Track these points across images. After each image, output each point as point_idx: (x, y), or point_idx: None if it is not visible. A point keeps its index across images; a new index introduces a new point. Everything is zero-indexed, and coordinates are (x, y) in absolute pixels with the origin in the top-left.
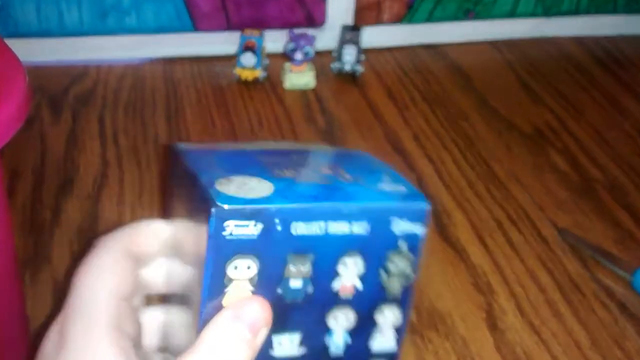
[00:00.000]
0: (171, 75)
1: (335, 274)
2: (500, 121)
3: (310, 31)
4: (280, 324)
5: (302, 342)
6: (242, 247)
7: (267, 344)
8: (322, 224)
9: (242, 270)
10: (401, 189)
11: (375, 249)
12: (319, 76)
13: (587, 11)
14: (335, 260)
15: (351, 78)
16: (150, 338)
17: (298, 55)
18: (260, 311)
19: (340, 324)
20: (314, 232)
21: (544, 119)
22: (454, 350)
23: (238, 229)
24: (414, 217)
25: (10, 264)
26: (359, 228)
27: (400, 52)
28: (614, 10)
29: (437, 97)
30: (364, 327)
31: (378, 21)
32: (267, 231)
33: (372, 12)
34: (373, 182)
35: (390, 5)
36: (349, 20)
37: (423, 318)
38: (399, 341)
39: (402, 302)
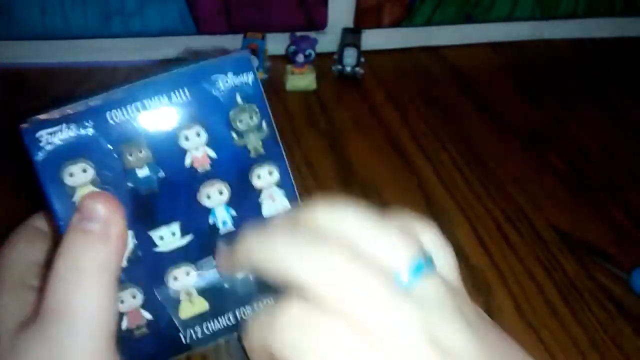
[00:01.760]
0: None
1: (182, 151)
2: (499, 123)
3: (311, 34)
4: (150, 218)
5: (185, 230)
6: (66, 152)
7: (148, 243)
8: (138, 104)
9: (79, 176)
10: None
11: (211, 113)
12: (320, 78)
13: (585, 14)
14: (173, 138)
15: (352, 80)
16: None
17: (299, 58)
18: (98, 200)
19: (215, 199)
20: (135, 116)
21: (542, 121)
22: None
23: (52, 136)
24: (237, 68)
25: None
26: (179, 97)
27: (400, 54)
28: (611, 12)
29: (437, 99)
30: (245, 196)
31: (378, 24)
32: (83, 129)
33: (372, 15)
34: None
35: (390, 9)
36: (350, 23)
37: None
38: (292, 198)
39: (273, 158)
